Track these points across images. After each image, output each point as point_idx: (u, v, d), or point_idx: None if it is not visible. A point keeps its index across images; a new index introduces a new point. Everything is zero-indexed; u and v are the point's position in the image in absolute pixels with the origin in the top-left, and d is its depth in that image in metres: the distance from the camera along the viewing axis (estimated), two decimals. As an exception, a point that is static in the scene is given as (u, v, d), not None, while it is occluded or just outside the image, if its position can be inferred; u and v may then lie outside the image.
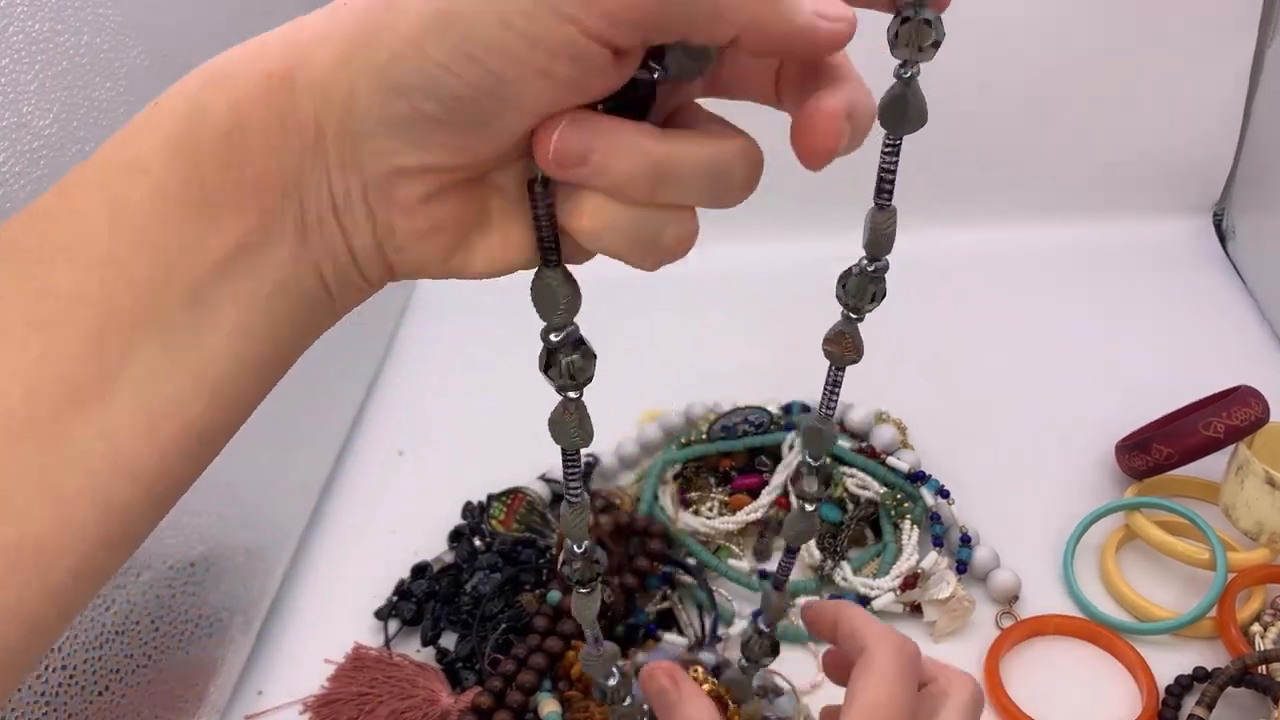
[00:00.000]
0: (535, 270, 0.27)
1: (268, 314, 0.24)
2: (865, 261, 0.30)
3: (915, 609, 0.55)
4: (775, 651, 0.42)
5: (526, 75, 0.22)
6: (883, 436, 0.64)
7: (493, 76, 0.22)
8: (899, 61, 0.28)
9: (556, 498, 0.64)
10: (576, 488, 0.32)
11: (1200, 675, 0.50)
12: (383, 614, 0.58)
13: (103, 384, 0.23)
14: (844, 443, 0.62)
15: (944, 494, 0.60)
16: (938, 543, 0.58)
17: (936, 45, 0.27)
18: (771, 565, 0.60)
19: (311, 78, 0.23)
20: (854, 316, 0.32)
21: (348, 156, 0.23)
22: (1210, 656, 0.52)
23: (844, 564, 0.57)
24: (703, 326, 0.80)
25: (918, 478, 0.60)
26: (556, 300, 0.28)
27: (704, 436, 0.63)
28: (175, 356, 0.23)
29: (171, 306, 0.23)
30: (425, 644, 0.56)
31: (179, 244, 0.23)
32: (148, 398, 0.23)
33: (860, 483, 0.61)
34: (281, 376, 0.27)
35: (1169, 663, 0.51)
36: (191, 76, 0.24)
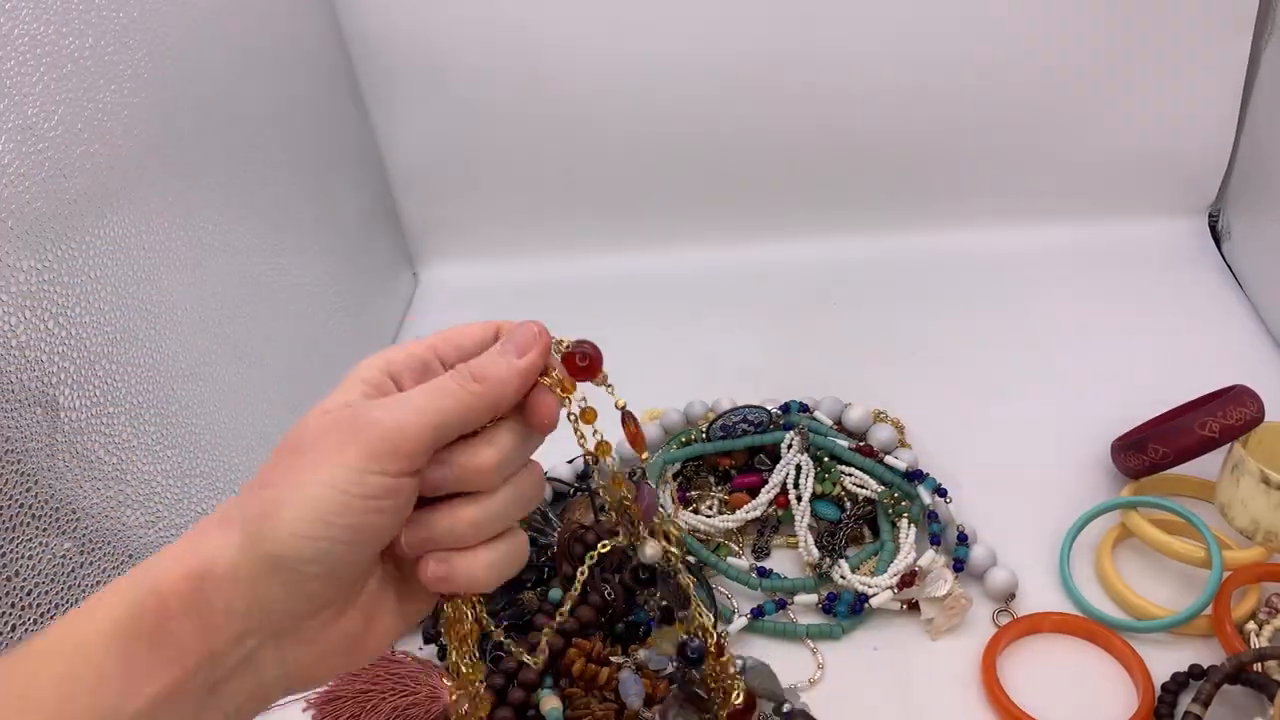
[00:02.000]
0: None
1: None
2: None
3: (913, 607, 0.56)
4: None
5: (369, 517, 0.31)
6: (880, 435, 0.64)
7: (349, 530, 0.31)
8: None
9: (558, 497, 0.64)
10: None
11: (1196, 673, 0.50)
12: (384, 612, 0.58)
13: None
14: (842, 442, 0.63)
15: (941, 492, 0.60)
16: (935, 541, 0.58)
17: None
18: (771, 563, 0.60)
19: (218, 577, 0.30)
20: None
21: (254, 624, 0.31)
22: (1206, 654, 0.52)
23: (842, 562, 0.58)
24: (702, 326, 0.81)
25: (915, 476, 0.61)
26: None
27: (704, 436, 0.64)
28: None
29: None
30: (427, 641, 0.57)
31: (111, 705, 0.29)
32: None
33: (858, 481, 0.61)
34: None
35: (1165, 660, 0.51)
36: (126, 580, 0.31)
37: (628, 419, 0.37)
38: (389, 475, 0.31)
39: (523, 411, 0.35)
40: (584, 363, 0.35)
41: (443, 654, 0.55)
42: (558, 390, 0.35)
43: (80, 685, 0.29)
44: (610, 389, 0.36)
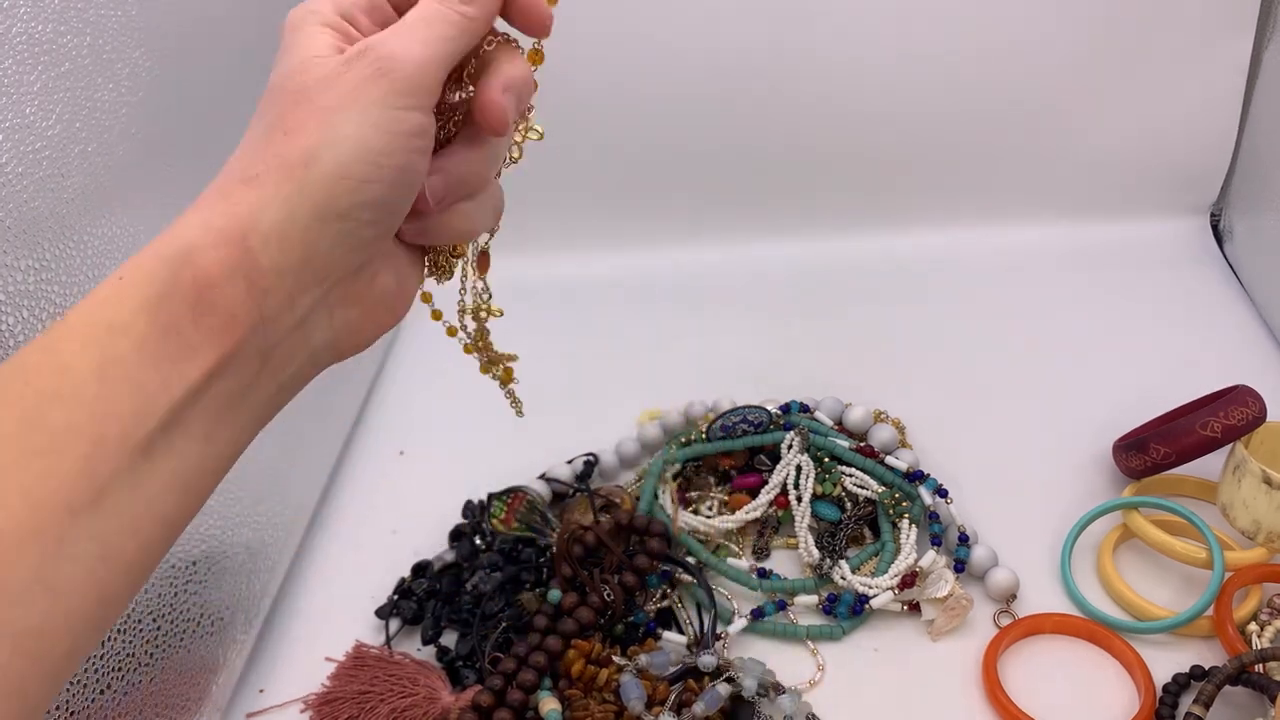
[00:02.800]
0: None
1: (230, 422, 0.30)
2: None
3: (913, 607, 0.56)
4: None
5: (412, 158, 0.30)
6: (881, 436, 0.64)
7: (396, 171, 0.30)
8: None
9: (557, 497, 0.64)
10: None
11: (1197, 674, 0.50)
12: (384, 613, 0.58)
13: (94, 495, 0.27)
14: (842, 442, 0.62)
15: (942, 493, 0.60)
16: (936, 541, 0.58)
17: None
18: (771, 564, 0.60)
19: (264, 235, 0.29)
20: None
21: (308, 281, 0.30)
22: (1207, 655, 0.52)
23: (842, 563, 0.57)
24: (702, 326, 0.81)
25: (916, 477, 0.60)
26: None
27: (704, 436, 0.64)
28: (154, 467, 0.28)
29: (152, 430, 0.28)
30: (426, 643, 0.56)
31: (160, 380, 0.28)
32: (131, 503, 0.28)
33: (858, 482, 0.61)
34: (235, 460, 0.32)
35: (1166, 661, 0.51)
36: (148, 259, 0.29)
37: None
38: (422, 111, 0.30)
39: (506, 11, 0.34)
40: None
41: (442, 655, 0.55)
42: None
43: (123, 368, 0.27)
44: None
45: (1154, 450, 0.58)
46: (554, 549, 0.57)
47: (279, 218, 0.29)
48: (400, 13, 0.33)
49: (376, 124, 0.29)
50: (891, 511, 0.59)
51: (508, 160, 0.38)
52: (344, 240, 0.30)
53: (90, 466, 0.27)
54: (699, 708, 0.48)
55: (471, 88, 0.33)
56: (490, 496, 0.62)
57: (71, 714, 0.41)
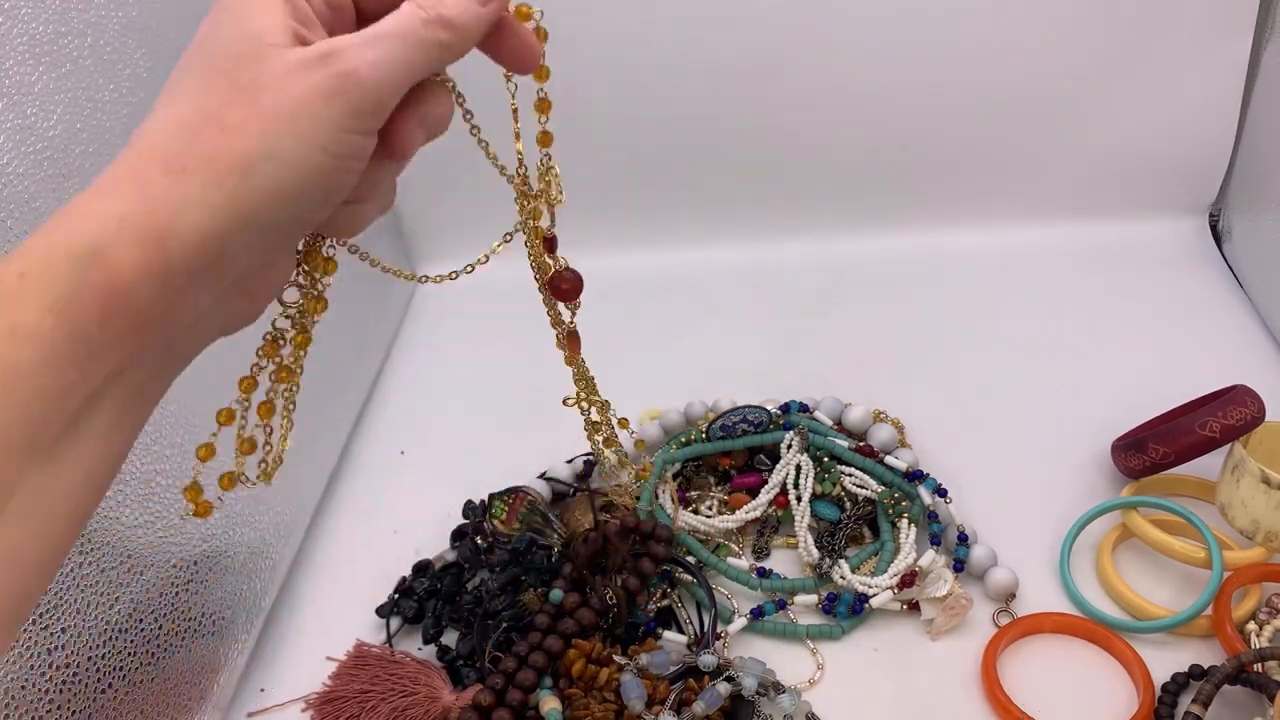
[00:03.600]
0: None
1: (130, 417, 0.29)
2: None
3: (913, 607, 0.56)
4: None
5: (345, 177, 0.30)
6: (880, 435, 0.64)
7: (327, 191, 0.29)
8: None
9: (557, 496, 0.64)
10: None
11: (1196, 673, 0.50)
12: (384, 612, 0.58)
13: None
14: (842, 442, 0.62)
15: (941, 493, 0.60)
16: (935, 541, 0.58)
17: None
18: (771, 563, 0.60)
19: (184, 239, 0.27)
20: None
21: (216, 279, 0.29)
22: (1206, 654, 0.52)
23: (842, 562, 0.58)
24: (702, 326, 0.81)
25: (915, 476, 0.60)
26: None
27: (703, 436, 0.64)
28: (57, 469, 0.27)
29: (56, 433, 0.27)
30: (426, 642, 0.56)
31: (63, 386, 0.26)
32: (34, 505, 0.27)
33: (858, 482, 0.61)
34: (131, 446, 0.31)
35: (1165, 661, 0.51)
36: (52, 249, 0.26)
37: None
38: (371, 134, 0.30)
39: (494, 48, 0.33)
40: (567, 285, 0.36)
41: (443, 654, 0.55)
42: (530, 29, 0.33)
43: (26, 377, 0.25)
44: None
45: (1153, 450, 0.58)
46: (570, 550, 0.57)
47: (201, 221, 0.27)
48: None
49: (324, 145, 0.28)
50: (891, 511, 0.60)
51: (550, 202, 0.38)
52: (261, 244, 0.29)
53: None
54: (699, 707, 0.48)
55: None
56: (491, 496, 0.62)
57: (73, 714, 0.41)
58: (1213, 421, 0.57)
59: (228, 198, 0.27)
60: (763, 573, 0.58)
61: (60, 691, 0.41)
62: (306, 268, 0.36)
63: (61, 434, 0.27)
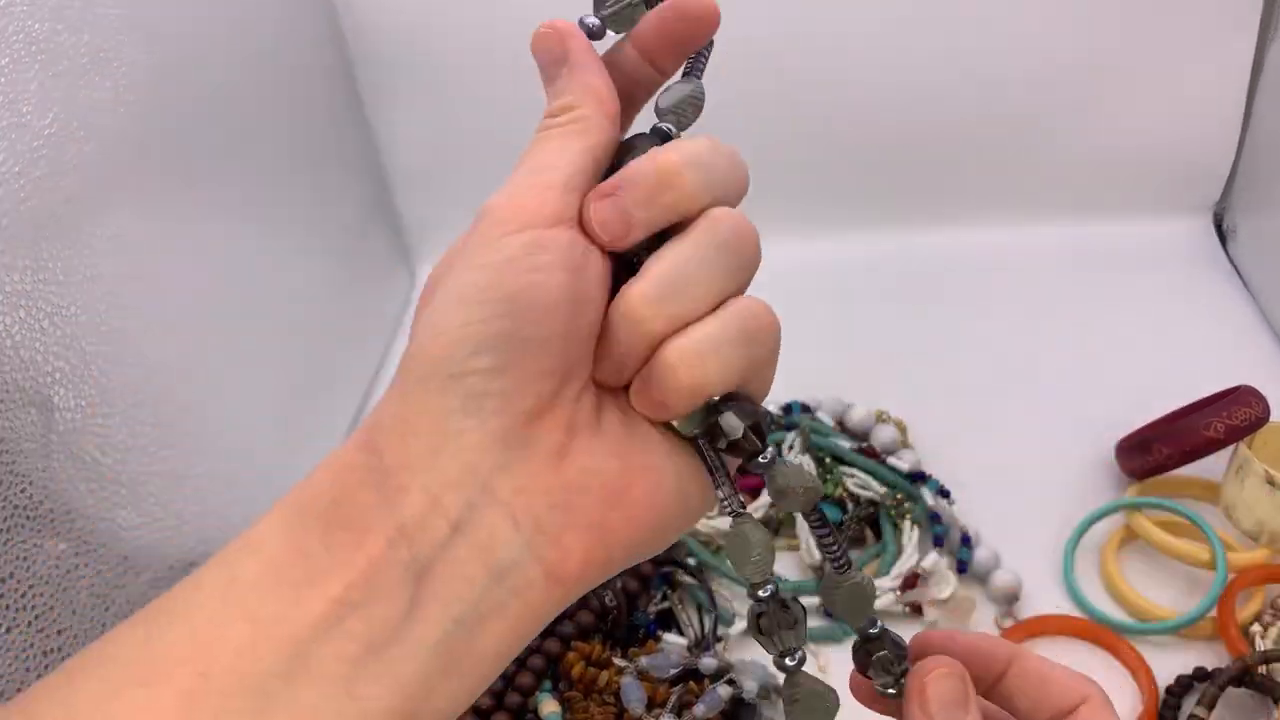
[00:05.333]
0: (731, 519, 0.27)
1: (382, 673, 0.22)
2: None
3: (916, 609, 0.55)
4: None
5: (526, 277, 0.24)
6: (883, 436, 0.64)
7: (504, 303, 0.23)
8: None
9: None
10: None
11: (1200, 675, 0.50)
12: (383, 614, 0.58)
13: None
14: (844, 442, 0.62)
15: (944, 494, 0.60)
16: (938, 543, 0.58)
17: None
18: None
19: (385, 428, 0.24)
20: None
21: (449, 472, 0.23)
22: (1210, 657, 0.52)
23: (844, 564, 0.57)
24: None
25: (918, 478, 0.60)
26: (749, 551, 0.26)
27: (704, 436, 0.63)
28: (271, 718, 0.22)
29: (266, 671, 0.22)
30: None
31: (275, 610, 0.22)
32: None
33: (860, 483, 0.61)
34: None
35: (1169, 663, 0.51)
36: (273, 510, 0.24)
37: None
38: (531, 229, 0.24)
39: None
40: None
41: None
42: None
43: (241, 591, 0.22)
44: None
45: (1157, 451, 0.58)
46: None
47: (396, 406, 0.24)
48: None
49: (469, 263, 0.24)
50: (893, 512, 0.59)
51: None
52: (471, 406, 0.23)
53: (189, 706, 0.21)
54: (700, 710, 0.48)
55: None
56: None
57: (69, 716, 0.41)
58: (1217, 422, 0.56)
59: (404, 372, 0.25)
60: (764, 574, 0.58)
61: (56, 694, 0.41)
62: None
63: (274, 675, 0.22)
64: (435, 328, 0.24)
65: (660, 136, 0.27)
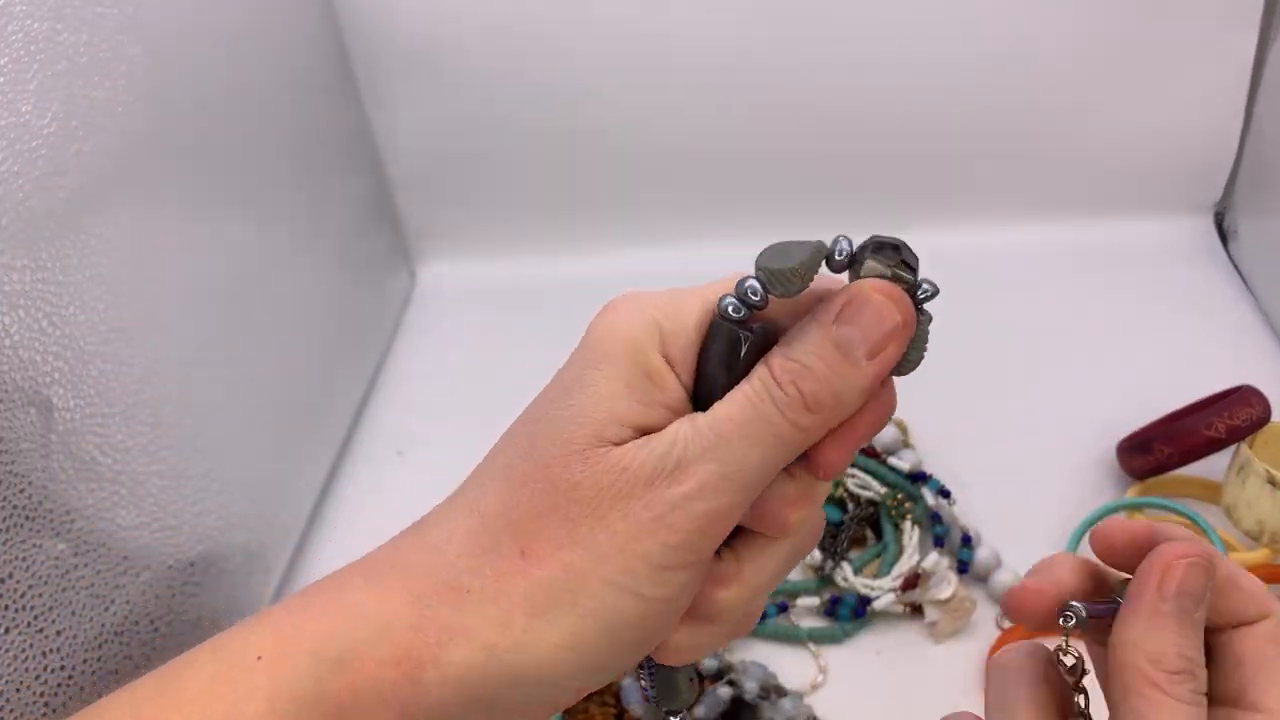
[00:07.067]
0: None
1: None
2: None
3: (916, 609, 0.55)
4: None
5: (656, 620, 0.24)
6: (883, 436, 0.64)
7: (629, 644, 0.24)
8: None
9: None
10: None
11: (1202, 676, 0.50)
12: (383, 614, 0.58)
13: None
14: (845, 443, 0.62)
15: (945, 494, 0.60)
16: (939, 543, 0.58)
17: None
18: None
19: (444, 675, 0.23)
20: None
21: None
22: (1212, 657, 0.52)
23: (844, 564, 0.57)
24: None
25: (919, 478, 0.60)
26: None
27: (704, 436, 0.63)
28: None
29: None
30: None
31: None
32: None
33: (860, 483, 0.61)
34: None
35: (1170, 663, 0.51)
36: (301, 640, 0.23)
37: None
38: (694, 569, 0.24)
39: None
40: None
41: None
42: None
43: None
44: None
45: (1158, 451, 0.58)
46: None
47: (471, 664, 0.23)
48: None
49: (628, 586, 0.23)
50: (894, 512, 0.59)
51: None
52: (531, 699, 0.24)
53: None
54: (700, 710, 0.48)
55: None
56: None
57: (69, 717, 0.41)
58: (1218, 422, 0.56)
59: (508, 648, 0.23)
60: (764, 574, 0.58)
61: (55, 694, 0.41)
62: None
63: None
64: (564, 639, 0.23)
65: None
